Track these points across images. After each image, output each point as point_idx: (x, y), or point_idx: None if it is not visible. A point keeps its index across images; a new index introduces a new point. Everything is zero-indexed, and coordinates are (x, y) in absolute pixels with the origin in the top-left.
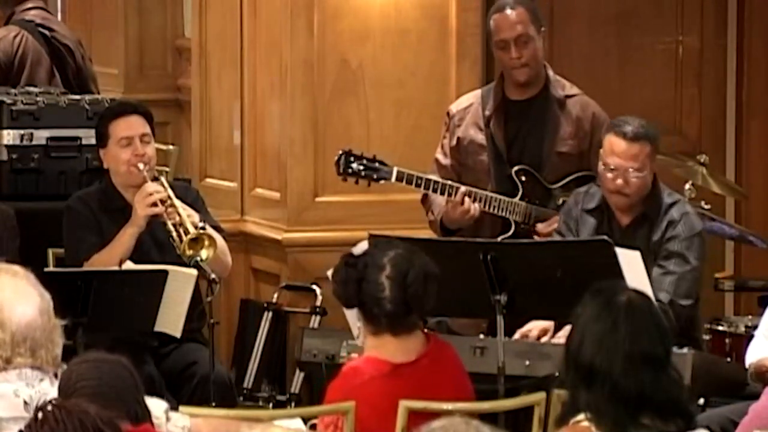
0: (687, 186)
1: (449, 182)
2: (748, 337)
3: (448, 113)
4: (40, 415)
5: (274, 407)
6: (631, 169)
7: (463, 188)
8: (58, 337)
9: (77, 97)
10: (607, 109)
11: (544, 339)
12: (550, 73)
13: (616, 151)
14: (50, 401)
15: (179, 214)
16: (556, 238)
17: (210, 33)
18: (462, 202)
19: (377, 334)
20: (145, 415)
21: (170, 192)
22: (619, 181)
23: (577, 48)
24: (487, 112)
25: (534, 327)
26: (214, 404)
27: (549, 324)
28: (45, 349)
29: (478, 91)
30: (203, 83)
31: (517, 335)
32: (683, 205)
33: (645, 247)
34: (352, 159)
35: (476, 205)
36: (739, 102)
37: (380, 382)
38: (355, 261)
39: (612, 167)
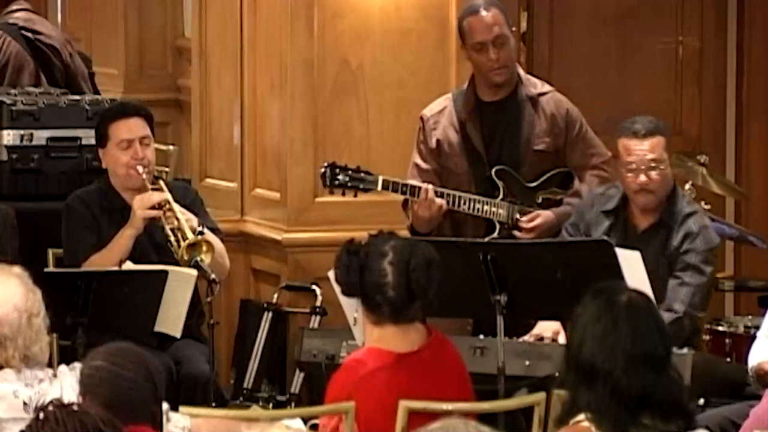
0: (687, 186)
1: (436, 188)
2: (748, 337)
3: (421, 118)
4: (41, 415)
5: (274, 407)
6: (651, 163)
7: (445, 191)
8: (36, 336)
9: (77, 97)
10: (607, 109)
11: (561, 339)
12: (521, 72)
13: (631, 150)
14: (52, 401)
15: (177, 219)
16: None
17: (210, 33)
18: (426, 197)
19: (378, 324)
20: (157, 423)
21: (169, 196)
22: (642, 177)
23: (577, 48)
24: (462, 115)
25: (546, 329)
26: (214, 404)
27: (558, 325)
28: (14, 345)
29: (449, 95)
30: (203, 83)
31: (530, 338)
32: (702, 218)
33: (660, 253)
34: (337, 171)
35: (441, 199)
36: (739, 102)
37: (384, 374)
38: (357, 248)
39: (632, 167)
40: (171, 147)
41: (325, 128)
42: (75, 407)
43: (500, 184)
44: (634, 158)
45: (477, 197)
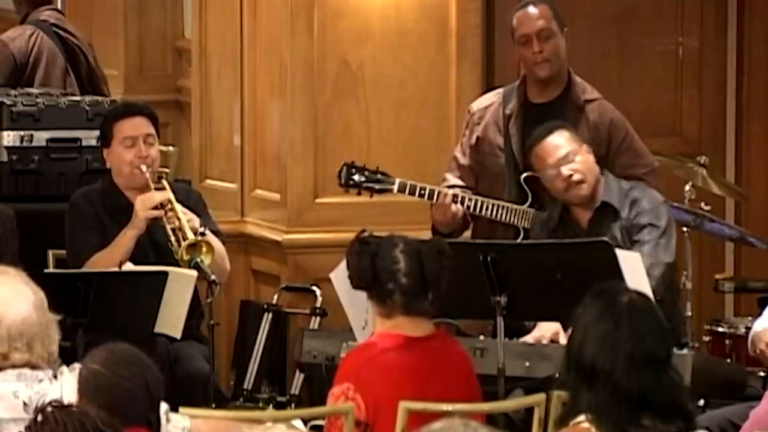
0: (687, 187)
1: (458, 190)
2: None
3: (469, 111)
4: (40, 416)
5: (274, 408)
6: (570, 155)
7: (468, 196)
8: (53, 333)
9: (77, 98)
10: None
11: (562, 341)
12: (573, 76)
13: (548, 150)
14: (51, 402)
15: (179, 219)
16: None
17: (210, 34)
18: (443, 202)
19: (389, 316)
20: (153, 427)
21: (171, 196)
22: (564, 170)
23: (577, 48)
24: (507, 112)
25: (546, 330)
26: (214, 405)
27: (558, 326)
28: (41, 344)
29: (501, 90)
30: (203, 84)
31: (531, 340)
32: (641, 186)
33: (615, 233)
34: (353, 171)
35: (458, 205)
36: (739, 103)
37: (394, 353)
38: (369, 239)
39: (555, 164)
40: (171, 148)
41: (325, 129)
42: (74, 408)
43: (530, 190)
44: (554, 158)
45: (502, 203)
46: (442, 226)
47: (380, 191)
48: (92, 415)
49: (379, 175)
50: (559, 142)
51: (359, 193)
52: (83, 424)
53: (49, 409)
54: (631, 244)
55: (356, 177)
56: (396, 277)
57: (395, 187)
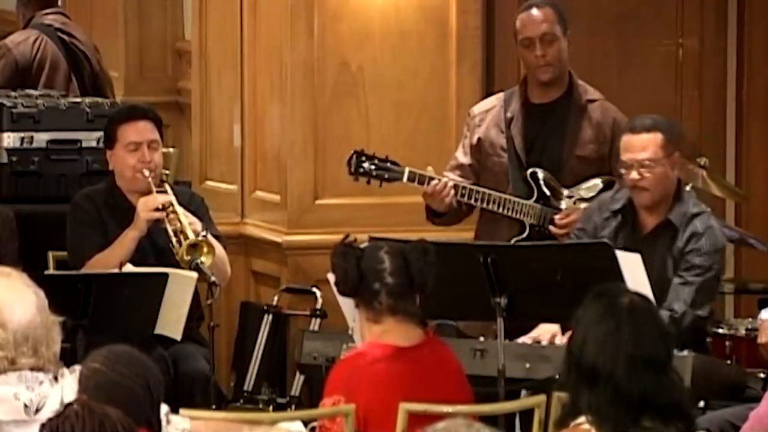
0: (687, 188)
1: (463, 182)
2: (749, 339)
3: (469, 114)
4: (65, 411)
5: (274, 410)
6: (645, 161)
7: (475, 189)
8: (56, 334)
9: (77, 99)
10: None
11: (558, 342)
12: (574, 77)
13: (626, 146)
14: (77, 399)
15: (180, 221)
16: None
17: (210, 35)
18: (443, 188)
19: (377, 321)
20: (153, 428)
21: (173, 198)
22: (634, 174)
23: (576, 50)
24: (509, 115)
25: (545, 332)
26: (214, 407)
27: (557, 328)
28: (46, 346)
29: (501, 94)
30: (203, 86)
31: (527, 340)
32: (708, 218)
33: (667, 254)
34: (363, 159)
35: (451, 191)
36: (739, 104)
37: (383, 364)
38: (353, 243)
39: (630, 162)
40: (171, 149)
41: (325, 130)
42: (98, 408)
43: (535, 186)
44: (627, 155)
45: (508, 197)
46: (434, 208)
47: (390, 180)
48: (113, 417)
49: (389, 164)
50: (647, 144)
51: (369, 182)
52: (102, 424)
53: (75, 405)
54: (676, 273)
55: (366, 165)
56: (382, 277)
57: (405, 176)
